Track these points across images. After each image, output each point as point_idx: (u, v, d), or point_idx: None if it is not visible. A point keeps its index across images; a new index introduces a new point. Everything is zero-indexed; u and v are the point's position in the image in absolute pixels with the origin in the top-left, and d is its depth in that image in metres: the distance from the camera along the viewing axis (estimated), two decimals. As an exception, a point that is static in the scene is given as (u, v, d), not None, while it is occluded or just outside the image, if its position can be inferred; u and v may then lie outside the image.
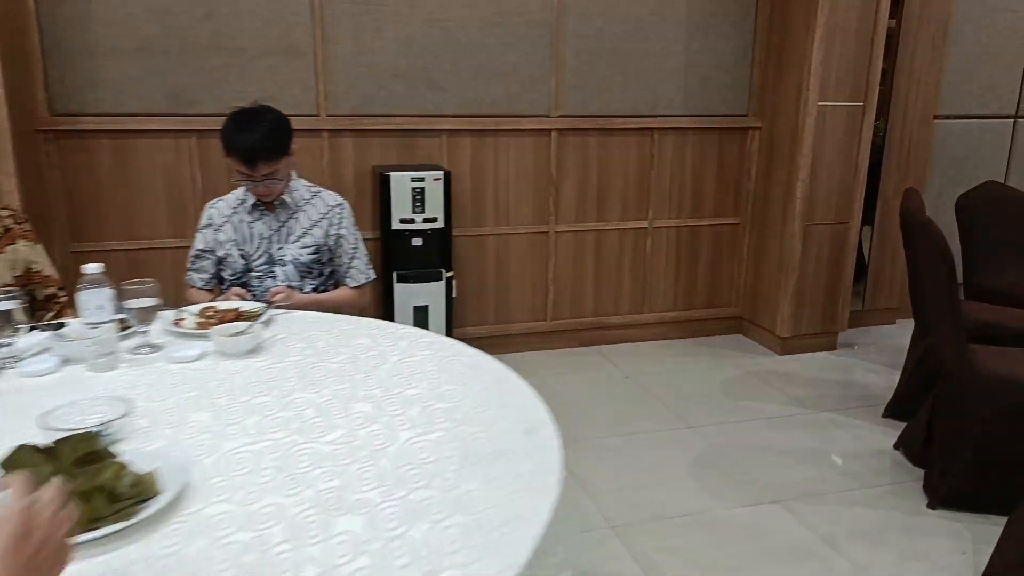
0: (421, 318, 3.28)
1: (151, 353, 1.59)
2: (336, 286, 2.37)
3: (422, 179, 3.18)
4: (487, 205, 3.60)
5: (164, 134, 3.15)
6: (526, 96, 3.51)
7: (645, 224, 3.87)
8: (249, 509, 1.02)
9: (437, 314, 3.31)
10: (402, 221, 3.20)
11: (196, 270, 2.28)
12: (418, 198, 3.19)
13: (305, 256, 2.25)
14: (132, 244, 3.20)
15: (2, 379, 1.46)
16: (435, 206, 3.22)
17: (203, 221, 2.27)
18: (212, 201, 2.30)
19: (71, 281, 3.15)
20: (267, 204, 2.24)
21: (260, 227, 2.24)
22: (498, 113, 3.49)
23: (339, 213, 2.31)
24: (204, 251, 2.26)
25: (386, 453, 1.18)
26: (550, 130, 3.59)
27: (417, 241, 3.24)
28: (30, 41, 2.92)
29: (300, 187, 2.30)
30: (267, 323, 1.80)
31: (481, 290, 3.69)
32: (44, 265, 2.00)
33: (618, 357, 3.76)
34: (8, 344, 1.52)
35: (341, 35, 3.23)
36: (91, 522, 0.94)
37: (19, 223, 1.95)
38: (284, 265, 2.24)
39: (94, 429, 1.12)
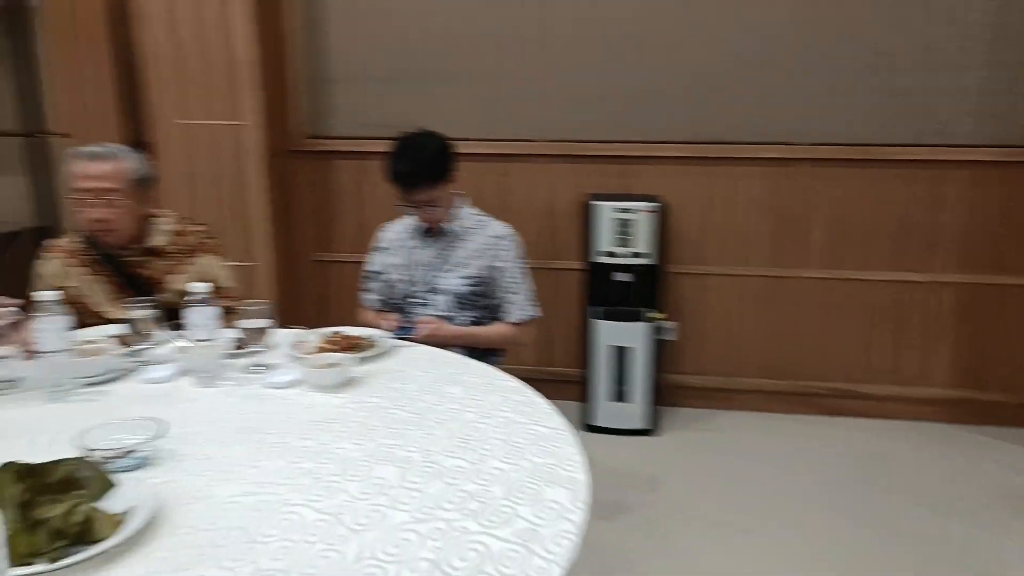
0: (620, 360, 3.03)
1: (260, 374, 1.62)
2: (498, 320, 2.25)
3: (630, 210, 2.93)
4: (713, 242, 3.21)
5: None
6: (765, 120, 3.06)
7: (921, 277, 3.14)
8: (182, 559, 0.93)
9: (639, 358, 3.02)
10: (605, 254, 2.98)
11: (368, 290, 2.33)
12: (624, 230, 2.94)
13: (463, 286, 2.17)
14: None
15: (124, 382, 1.58)
16: (644, 240, 2.95)
17: (377, 243, 2.31)
18: (387, 223, 2.34)
19: (311, 290, 3.53)
20: (431, 231, 2.21)
21: (424, 254, 2.22)
22: (731, 140, 3.10)
23: (503, 245, 2.19)
24: (375, 273, 2.30)
25: (352, 541, 1.01)
26: (797, 159, 3.09)
27: (621, 276, 3.00)
28: (292, 70, 3.29)
29: (467, 215, 2.23)
30: (382, 356, 1.75)
31: (700, 336, 3.30)
32: (226, 279, 2.18)
33: (865, 434, 3.10)
34: (143, 349, 1.66)
35: (562, 59, 3.13)
36: (28, 555, 0.92)
37: (208, 238, 2.16)
38: (441, 294, 2.18)
39: (98, 454, 1.13)
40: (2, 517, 0.93)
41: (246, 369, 1.63)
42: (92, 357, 1.57)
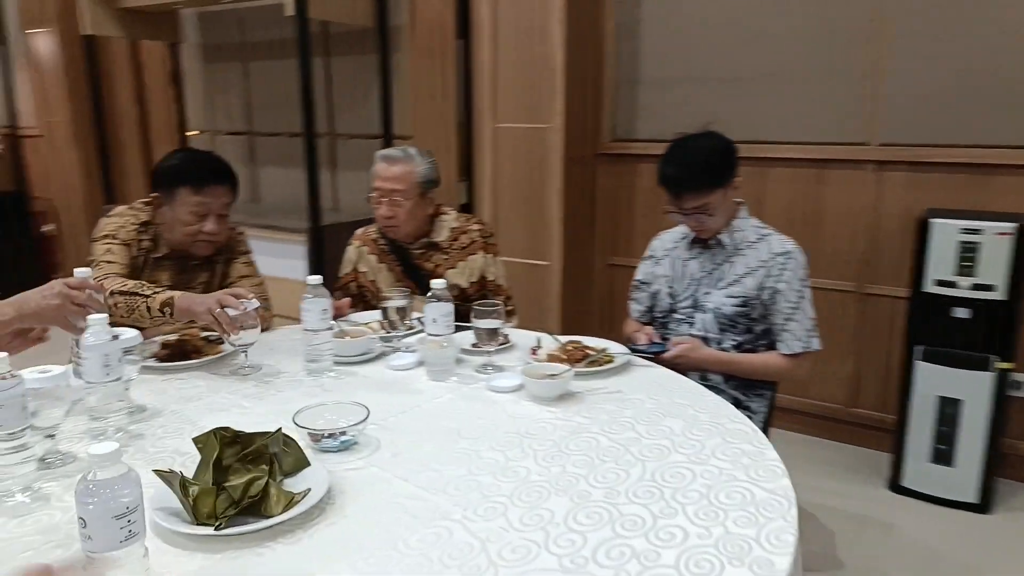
0: (948, 414, 2.46)
1: (489, 373, 1.63)
2: (770, 348, 1.97)
3: (979, 231, 2.35)
4: (1106, 278, 2.43)
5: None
6: None
7: None
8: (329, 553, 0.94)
9: (974, 414, 2.42)
10: (939, 283, 2.43)
11: (634, 300, 2.21)
12: (969, 255, 2.37)
13: (729, 306, 1.94)
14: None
15: (373, 365, 1.71)
16: (994, 269, 2.34)
17: (647, 251, 2.19)
18: (661, 233, 2.19)
19: (601, 294, 3.51)
20: (703, 242, 2.01)
21: (693, 266, 2.03)
22: None
23: (782, 264, 1.90)
24: (642, 282, 2.18)
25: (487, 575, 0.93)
26: None
27: (960, 312, 2.42)
28: (603, 74, 3.28)
29: (747, 228, 1.98)
30: (614, 372, 1.63)
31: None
32: (498, 276, 2.24)
33: None
34: (396, 337, 1.77)
35: (898, 52, 2.63)
36: (207, 516, 1.02)
37: (485, 237, 2.24)
38: (705, 312, 1.97)
39: (309, 432, 1.21)
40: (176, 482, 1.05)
41: (479, 368, 1.65)
42: (350, 339, 1.73)
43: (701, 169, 1.88)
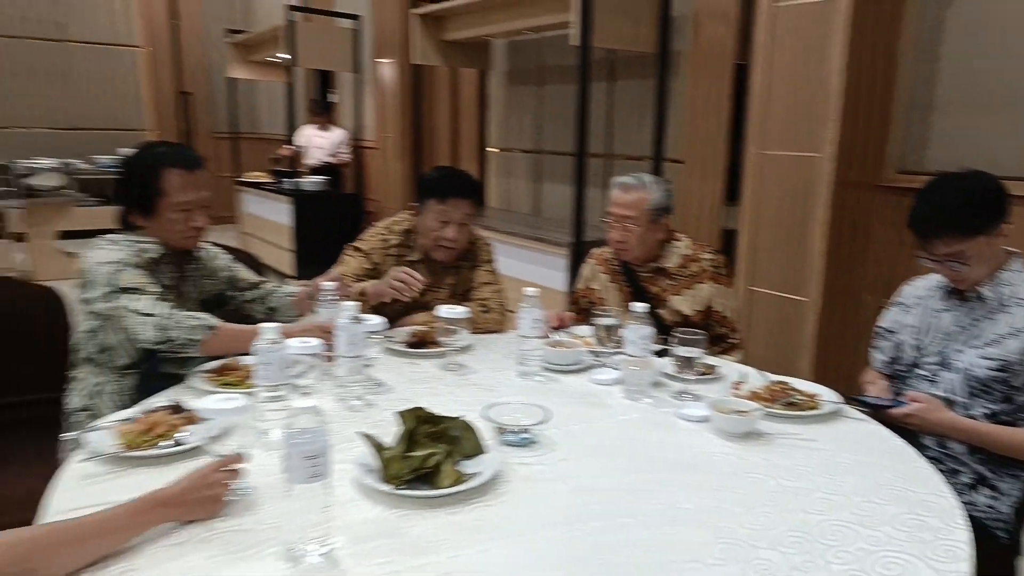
0: None
1: (683, 401, 1.65)
2: (1035, 423, 1.69)
3: None
4: None
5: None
6: None
7: None
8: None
9: None
10: None
11: (877, 349, 2.04)
12: None
13: (983, 369, 1.70)
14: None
15: (579, 377, 1.83)
16: None
17: (897, 296, 2.00)
18: (914, 278, 1.99)
19: (862, 333, 3.18)
20: (960, 293, 1.79)
21: (946, 319, 1.82)
22: None
23: None
24: (887, 330, 1.99)
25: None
26: None
27: None
28: (892, 99, 3.01)
29: (1020, 282, 1.73)
30: (817, 419, 1.55)
31: None
32: (725, 308, 2.21)
33: None
34: (603, 353, 1.87)
35: None
36: (392, 478, 1.23)
37: (715, 267, 2.21)
38: (953, 372, 1.76)
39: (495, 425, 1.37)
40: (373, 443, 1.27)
41: (674, 393, 1.69)
42: (562, 349, 1.87)
43: (955, 212, 1.68)
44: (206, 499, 1.10)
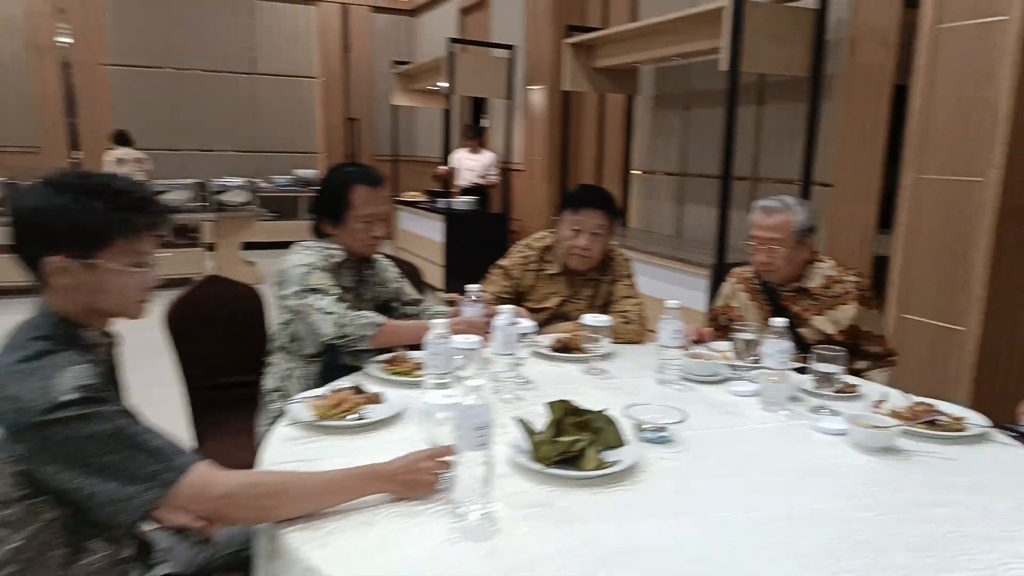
0: None
1: (820, 415, 1.70)
2: None
3: None
4: None
5: None
6: None
7: None
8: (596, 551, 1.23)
9: None
10: None
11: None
12: None
13: None
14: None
15: (717, 387, 1.91)
16: None
17: None
18: None
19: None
20: None
21: None
22: None
23: None
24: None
25: None
26: None
27: None
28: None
29: None
30: (963, 440, 1.55)
31: None
32: (875, 328, 2.20)
33: None
34: (742, 366, 1.94)
35: None
36: (541, 458, 1.38)
37: (860, 290, 2.20)
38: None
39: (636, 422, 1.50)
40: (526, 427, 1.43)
41: (812, 408, 1.73)
42: (701, 360, 1.96)
43: None
44: (417, 482, 1.24)
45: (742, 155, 4.53)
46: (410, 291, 2.36)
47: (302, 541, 1.13)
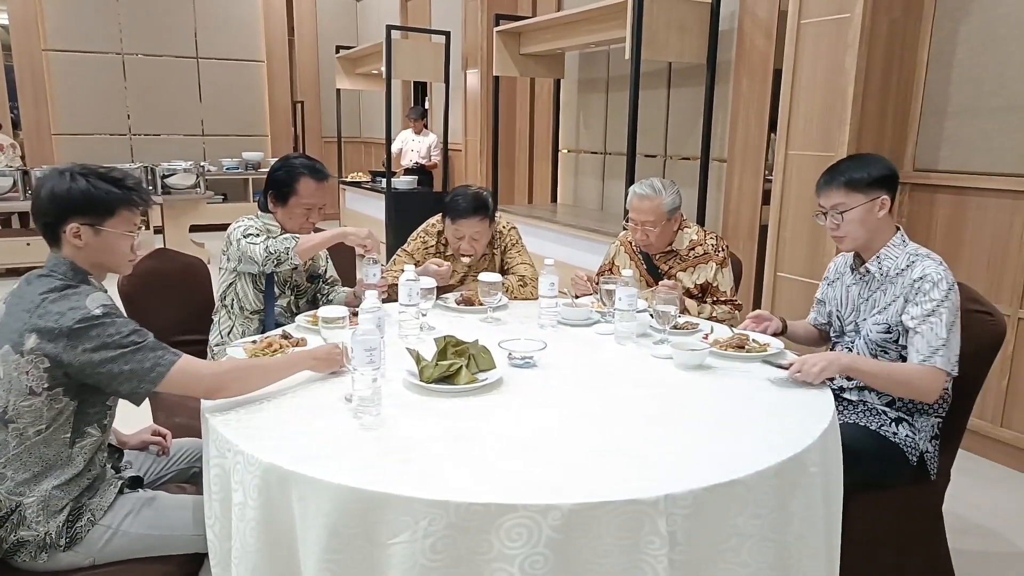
0: None
1: (659, 345, 2.13)
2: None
3: None
4: None
5: (1002, 194, 3.03)
6: None
7: None
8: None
9: None
10: None
11: (813, 311, 2.37)
12: None
13: (875, 332, 2.01)
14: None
15: (587, 329, 2.32)
16: None
17: (826, 272, 2.33)
18: (836, 256, 2.33)
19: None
20: (860, 269, 2.12)
21: (854, 292, 2.14)
22: None
23: (917, 287, 1.92)
24: (819, 300, 2.33)
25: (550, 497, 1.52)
26: None
27: None
28: (912, 103, 3.33)
29: (898, 254, 2.02)
30: (760, 359, 1.99)
31: None
32: (720, 283, 2.64)
33: None
34: (608, 312, 2.36)
35: None
36: (425, 379, 1.78)
37: (716, 251, 2.63)
38: (860, 338, 2.09)
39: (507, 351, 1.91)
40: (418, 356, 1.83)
41: (656, 341, 2.16)
42: (574, 307, 2.38)
43: (841, 172, 2.04)
44: (332, 360, 1.79)
45: (654, 135, 4.97)
46: (332, 272, 2.72)
47: (238, 435, 1.51)
